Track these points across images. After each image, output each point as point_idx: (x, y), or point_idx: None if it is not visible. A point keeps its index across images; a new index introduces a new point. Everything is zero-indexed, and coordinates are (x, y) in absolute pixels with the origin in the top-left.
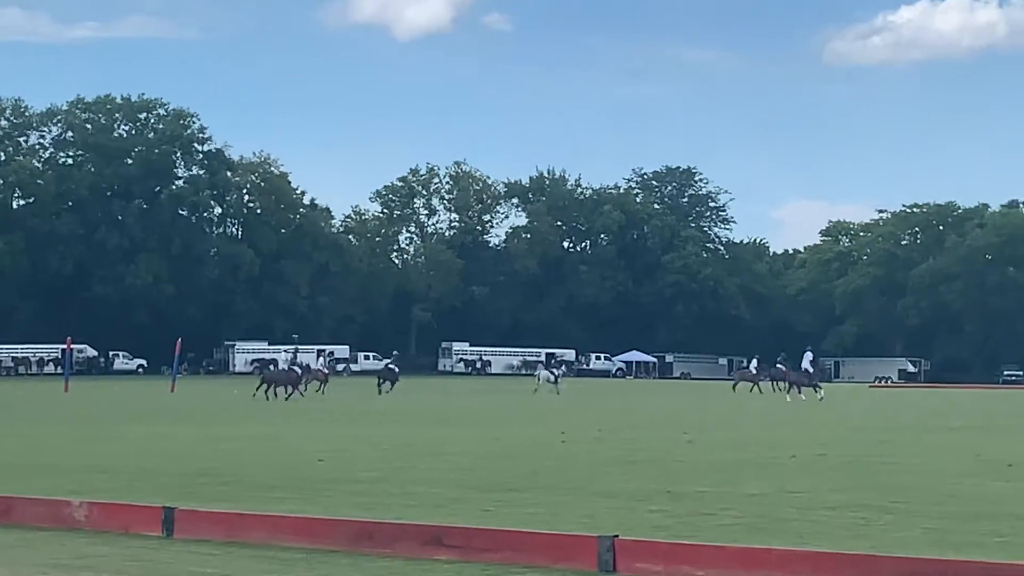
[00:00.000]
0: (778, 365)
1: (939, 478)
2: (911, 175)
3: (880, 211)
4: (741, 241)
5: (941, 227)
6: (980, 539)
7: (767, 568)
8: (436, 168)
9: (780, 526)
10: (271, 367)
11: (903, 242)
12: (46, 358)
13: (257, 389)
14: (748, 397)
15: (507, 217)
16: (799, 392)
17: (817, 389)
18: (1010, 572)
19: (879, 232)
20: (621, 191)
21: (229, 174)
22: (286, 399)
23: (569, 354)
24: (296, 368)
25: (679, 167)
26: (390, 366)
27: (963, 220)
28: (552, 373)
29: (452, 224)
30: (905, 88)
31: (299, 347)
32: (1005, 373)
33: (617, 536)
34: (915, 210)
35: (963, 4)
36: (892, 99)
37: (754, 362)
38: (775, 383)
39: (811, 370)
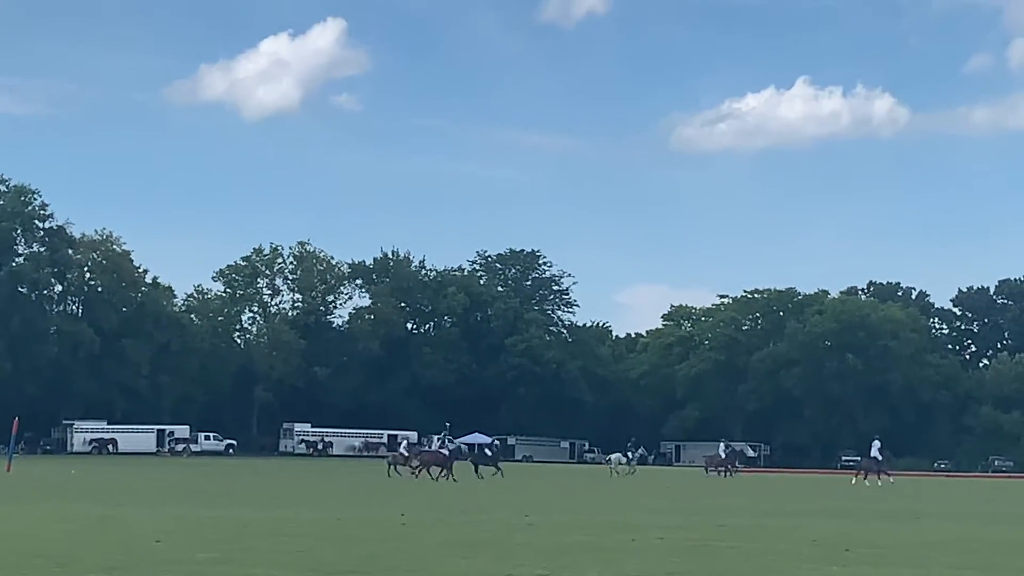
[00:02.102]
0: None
1: (777, 562)
2: (753, 260)
3: (722, 296)
4: (584, 325)
5: (781, 313)
6: None
7: None
8: (280, 248)
9: None
10: (417, 447)
11: (744, 327)
12: None
13: (416, 470)
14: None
15: (351, 298)
16: (876, 478)
17: (888, 475)
18: None
19: (720, 317)
20: (465, 273)
21: (70, 251)
22: (435, 479)
23: (412, 435)
24: (445, 451)
25: (523, 250)
26: (485, 450)
27: (803, 306)
28: (625, 456)
29: (295, 304)
30: (748, 175)
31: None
32: (843, 458)
33: None
34: (756, 295)
35: (807, 93)
36: (735, 185)
37: (721, 446)
38: (717, 469)
39: (880, 457)
